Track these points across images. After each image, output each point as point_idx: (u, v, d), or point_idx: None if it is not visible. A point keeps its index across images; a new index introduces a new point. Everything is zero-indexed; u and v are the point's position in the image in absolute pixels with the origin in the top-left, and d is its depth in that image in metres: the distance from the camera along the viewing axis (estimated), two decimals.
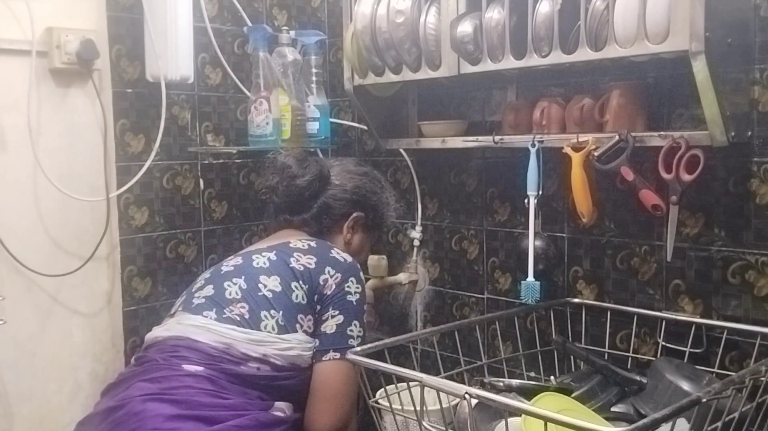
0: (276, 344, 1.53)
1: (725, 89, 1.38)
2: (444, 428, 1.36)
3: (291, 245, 1.66)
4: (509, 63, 1.59)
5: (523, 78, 1.82)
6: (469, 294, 2.02)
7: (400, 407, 1.43)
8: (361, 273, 1.67)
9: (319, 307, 1.59)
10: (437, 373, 1.64)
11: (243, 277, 1.61)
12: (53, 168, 1.81)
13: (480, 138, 1.77)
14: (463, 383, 1.59)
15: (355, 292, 1.62)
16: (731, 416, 1.25)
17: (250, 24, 2.14)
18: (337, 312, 1.58)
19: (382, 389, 1.44)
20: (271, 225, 1.88)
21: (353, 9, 1.84)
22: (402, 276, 2.13)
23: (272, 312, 1.55)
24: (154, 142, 1.93)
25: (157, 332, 1.59)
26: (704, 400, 1.14)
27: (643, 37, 1.39)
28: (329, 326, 1.58)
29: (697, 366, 1.51)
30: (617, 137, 1.51)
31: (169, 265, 2.03)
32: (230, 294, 1.58)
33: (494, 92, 1.93)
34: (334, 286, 1.59)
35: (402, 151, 2.06)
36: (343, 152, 2.31)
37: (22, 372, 1.81)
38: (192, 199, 2.08)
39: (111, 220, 1.91)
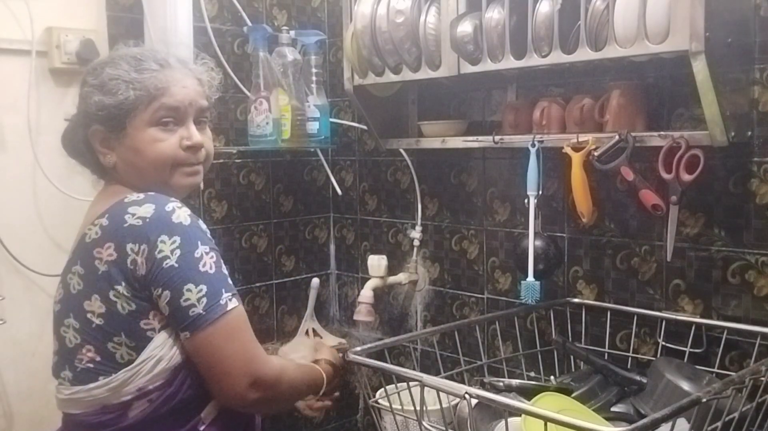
0: (139, 371, 1.26)
1: (725, 89, 1.38)
2: (444, 428, 1.36)
3: (87, 239, 1.29)
4: (509, 63, 1.59)
5: (523, 78, 1.82)
6: (469, 294, 2.02)
7: (400, 407, 1.43)
8: (176, 215, 1.25)
9: (146, 293, 1.24)
10: (437, 373, 1.64)
11: (71, 314, 1.30)
12: (53, 168, 1.81)
13: (480, 138, 1.77)
14: (463, 383, 1.59)
15: (173, 251, 1.22)
16: (731, 416, 1.25)
17: (250, 24, 2.14)
18: (160, 289, 1.23)
19: (382, 389, 1.44)
20: None
21: (353, 9, 1.84)
22: (402, 276, 2.13)
23: (116, 339, 1.26)
24: None
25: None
26: (704, 400, 1.14)
27: (643, 37, 1.39)
28: (163, 308, 1.25)
29: (697, 366, 1.51)
30: (617, 137, 1.51)
31: None
32: (70, 342, 1.30)
33: (494, 92, 1.92)
34: (144, 262, 1.23)
35: (402, 151, 2.06)
36: (343, 152, 2.32)
37: (22, 372, 1.81)
38: (192, 198, 2.08)
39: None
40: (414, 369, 1.89)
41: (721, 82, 1.35)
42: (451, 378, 1.66)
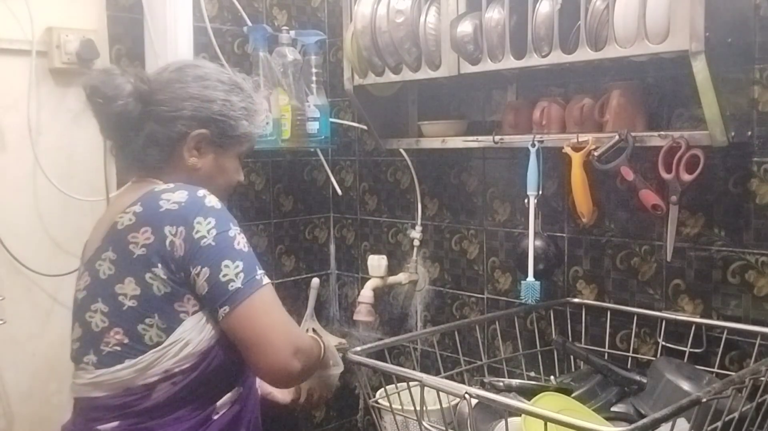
0: (167, 353, 1.30)
1: (725, 89, 1.38)
2: (444, 428, 1.36)
3: (119, 226, 1.32)
4: (509, 63, 1.59)
5: (523, 78, 1.82)
6: (469, 294, 2.02)
7: (400, 407, 1.43)
8: (209, 200, 1.32)
9: (182, 274, 1.29)
10: (437, 373, 1.64)
11: (100, 299, 1.34)
12: (53, 168, 1.81)
13: (480, 138, 1.77)
14: (463, 383, 1.59)
15: (209, 231, 1.29)
16: (731, 416, 1.25)
17: (250, 24, 2.14)
18: (199, 267, 1.28)
19: (382, 389, 1.44)
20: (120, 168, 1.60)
21: (353, 9, 1.84)
22: (402, 276, 2.13)
23: (148, 320, 1.30)
24: None
25: (69, 390, 1.42)
26: (704, 400, 1.14)
27: (643, 37, 1.39)
28: (201, 287, 1.29)
29: (697, 366, 1.51)
30: (617, 137, 1.51)
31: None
32: (97, 326, 1.33)
33: (494, 92, 1.92)
34: (183, 244, 1.28)
35: (402, 151, 2.06)
36: (343, 152, 2.32)
37: (22, 372, 1.81)
38: None
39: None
40: (414, 369, 1.88)
41: (721, 82, 1.35)
42: (451, 378, 1.66)
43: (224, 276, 1.28)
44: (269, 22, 2.20)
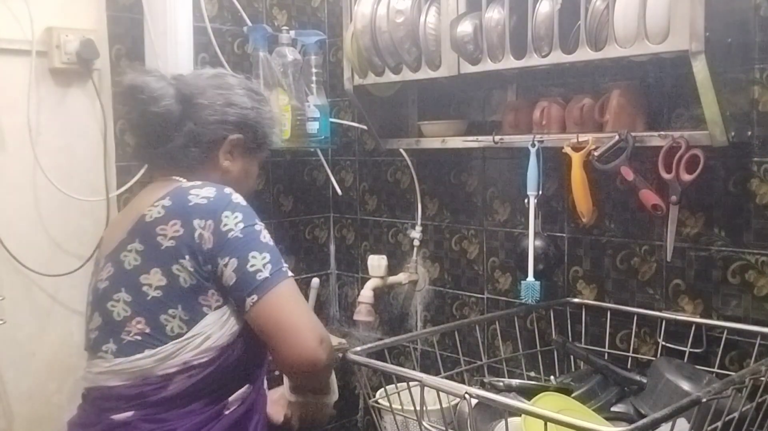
0: (188, 345, 1.33)
1: (725, 89, 1.38)
2: (444, 428, 1.36)
3: (147, 219, 1.36)
4: (509, 63, 1.59)
5: (523, 78, 1.82)
6: (469, 294, 2.02)
7: (400, 407, 1.43)
8: (235, 197, 1.38)
9: (210, 267, 1.33)
10: (437, 373, 1.64)
11: (123, 289, 1.36)
12: (53, 168, 1.81)
13: (480, 138, 1.77)
14: (463, 383, 1.59)
15: (236, 224, 1.34)
16: (731, 416, 1.25)
17: (250, 24, 2.14)
18: (227, 258, 1.32)
19: (382, 389, 1.44)
20: (139, 165, 1.65)
21: (353, 9, 1.84)
22: (402, 276, 2.13)
23: (171, 311, 1.33)
24: None
25: (81, 380, 1.45)
26: (704, 400, 1.14)
27: (643, 37, 1.39)
28: (229, 277, 1.32)
29: (697, 366, 1.51)
30: (617, 137, 1.51)
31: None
32: (119, 315, 1.36)
33: (494, 92, 1.92)
34: (211, 236, 1.32)
35: (402, 151, 2.06)
36: (343, 152, 2.32)
37: (22, 372, 1.81)
38: None
39: (111, 220, 1.91)
40: (414, 369, 1.88)
41: (721, 82, 1.35)
42: (451, 378, 1.66)
43: (252, 266, 1.32)
44: (269, 22, 2.20)
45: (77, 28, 1.83)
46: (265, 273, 1.33)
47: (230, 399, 1.38)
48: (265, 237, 1.37)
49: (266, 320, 1.33)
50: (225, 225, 1.33)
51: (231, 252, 1.32)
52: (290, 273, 1.36)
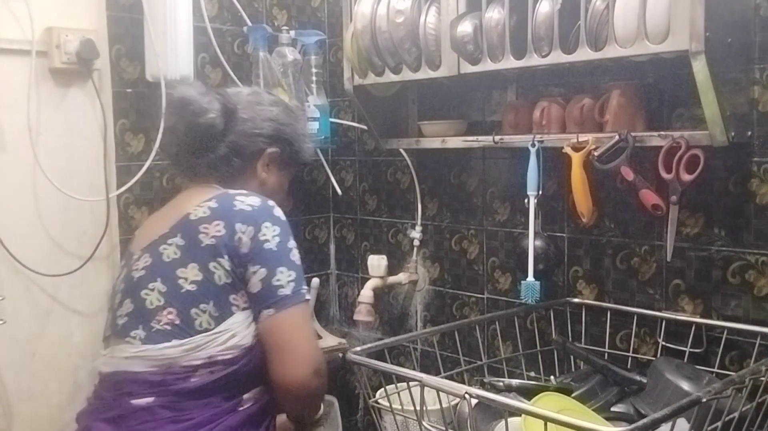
0: (215, 340, 1.39)
1: (725, 89, 1.38)
2: (444, 428, 1.36)
3: (192, 217, 1.44)
4: (509, 63, 1.59)
5: (523, 78, 1.82)
6: (469, 294, 2.02)
7: (400, 407, 1.43)
8: (277, 211, 1.46)
9: (241, 270, 1.40)
10: (437, 373, 1.64)
11: (159, 279, 1.42)
12: (53, 168, 1.81)
13: (480, 138, 1.77)
14: (463, 383, 1.59)
15: (273, 237, 1.41)
16: (731, 416, 1.25)
17: (250, 24, 2.14)
18: (258, 266, 1.40)
19: (382, 389, 1.44)
20: (176, 173, 1.71)
21: (353, 9, 1.84)
22: (402, 276, 2.13)
23: (202, 306, 1.39)
24: (154, 142, 1.93)
25: (100, 366, 1.49)
26: (704, 400, 1.14)
27: (643, 37, 1.39)
28: (254, 284, 1.40)
29: (697, 366, 1.51)
30: (617, 137, 1.51)
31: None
32: (151, 304, 1.41)
33: (494, 92, 1.92)
34: (249, 242, 1.40)
35: (402, 151, 2.06)
36: (343, 152, 2.32)
37: (22, 372, 1.81)
38: None
39: (111, 220, 1.91)
40: (414, 369, 1.88)
41: (721, 82, 1.35)
42: (451, 378, 1.66)
43: (277, 280, 1.39)
44: (269, 22, 2.20)
45: (77, 28, 1.83)
46: (287, 291, 1.40)
47: (245, 396, 1.42)
48: (295, 256, 1.44)
49: (274, 335, 1.40)
50: (263, 235, 1.40)
51: (262, 261, 1.39)
52: (308, 296, 1.43)
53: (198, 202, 1.45)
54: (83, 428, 1.43)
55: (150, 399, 1.37)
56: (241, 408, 1.42)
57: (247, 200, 1.45)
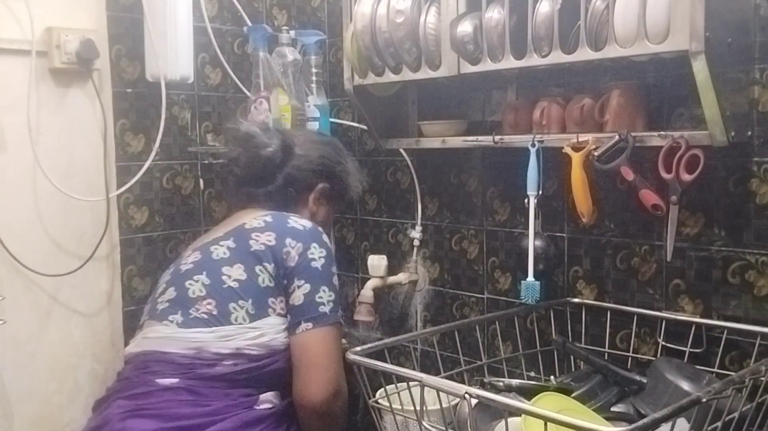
0: (246, 334, 1.49)
1: (725, 89, 1.38)
2: (444, 428, 1.36)
3: (247, 226, 1.59)
4: (509, 63, 1.59)
5: (523, 78, 1.82)
6: (469, 294, 2.02)
7: (400, 407, 1.43)
8: (325, 237, 1.61)
9: (285, 281, 1.53)
10: (437, 373, 1.64)
11: (204, 272, 1.55)
12: (53, 168, 1.81)
13: (480, 138, 1.77)
14: (463, 383, 1.59)
15: (320, 257, 1.55)
16: (731, 416, 1.25)
17: (250, 24, 2.14)
18: (303, 281, 1.52)
19: (382, 389, 1.44)
20: (232, 201, 1.81)
21: (353, 9, 1.84)
22: (402, 276, 2.13)
23: (241, 302, 1.50)
24: (154, 142, 1.93)
25: (130, 347, 1.58)
26: (704, 400, 1.14)
27: (643, 37, 1.39)
28: (297, 297, 1.52)
29: (697, 366, 1.51)
30: (617, 137, 1.51)
31: (169, 265, 2.03)
32: (193, 293, 1.53)
33: (494, 92, 1.92)
34: (297, 257, 1.53)
35: (402, 151, 2.06)
36: None
37: (22, 372, 1.81)
38: (192, 198, 2.08)
39: (111, 220, 1.91)
40: (414, 369, 1.88)
41: (721, 82, 1.35)
42: (451, 378, 1.66)
43: (319, 298, 1.52)
44: (269, 22, 2.20)
45: (77, 28, 1.83)
46: (326, 309, 1.52)
47: (261, 397, 1.50)
48: (336, 281, 1.57)
49: (306, 349, 1.50)
50: (311, 253, 1.54)
51: (308, 278, 1.52)
52: (342, 322, 1.56)
53: (255, 216, 1.61)
54: (104, 408, 1.47)
55: (174, 380, 1.44)
56: (256, 407, 1.47)
57: (300, 221, 1.60)
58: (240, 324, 1.49)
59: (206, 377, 1.45)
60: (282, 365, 1.52)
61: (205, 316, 1.50)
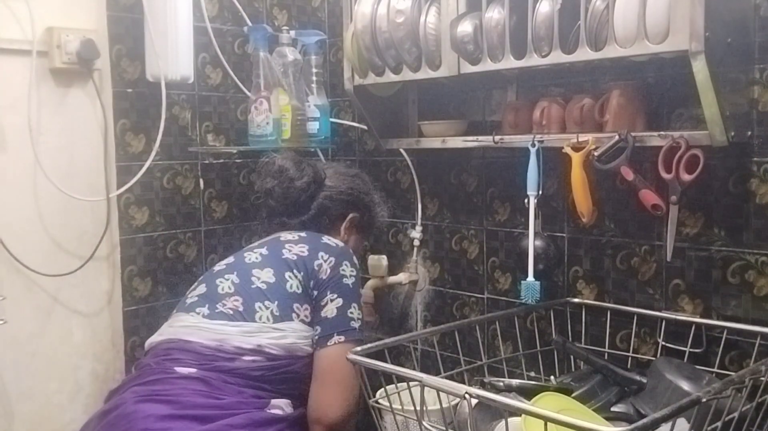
0: (269, 333, 1.53)
1: (725, 89, 1.38)
2: (444, 428, 1.36)
3: (282, 238, 1.67)
4: (509, 63, 1.59)
5: (523, 78, 1.82)
6: (469, 294, 2.02)
7: (400, 407, 1.43)
8: (355, 258, 1.67)
9: (315, 293, 1.58)
10: (437, 373, 1.64)
11: (235, 272, 1.62)
12: (53, 168, 1.81)
13: (480, 138, 1.77)
14: (463, 383, 1.59)
15: (351, 275, 1.62)
16: (731, 416, 1.25)
17: (250, 24, 2.14)
18: (335, 295, 1.58)
19: (382, 389, 1.44)
20: (265, 230, 1.85)
21: (353, 9, 1.84)
22: (402, 276, 2.13)
23: (267, 303, 1.55)
24: (155, 142, 1.93)
25: (153, 338, 1.61)
26: (704, 400, 1.14)
27: (643, 37, 1.39)
28: (329, 310, 1.57)
29: (697, 366, 1.51)
30: (617, 137, 1.51)
31: (169, 265, 2.03)
32: (222, 290, 1.59)
33: (494, 92, 1.92)
34: (329, 270, 1.59)
35: (402, 151, 2.06)
36: (343, 152, 2.32)
37: (22, 372, 1.81)
38: (192, 198, 2.08)
39: (111, 220, 1.91)
40: (414, 369, 1.88)
41: (721, 82, 1.35)
42: (451, 378, 1.66)
43: (351, 313, 1.58)
44: (269, 22, 2.20)
45: (77, 28, 1.83)
46: (356, 325, 1.58)
47: (273, 401, 1.51)
48: (361, 301, 1.63)
49: (335, 364, 1.53)
50: (343, 270, 1.60)
51: (341, 292, 1.58)
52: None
53: (290, 232, 1.70)
54: (119, 397, 1.47)
55: (192, 370, 1.47)
56: (267, 409, 1.48)
57: (333, 240, 1.68)
58: (264, 323, 1.53)
59: (224, 370, 1.48)
60: (298, 370, 1.54)
61: (231, 311, 1.55)
